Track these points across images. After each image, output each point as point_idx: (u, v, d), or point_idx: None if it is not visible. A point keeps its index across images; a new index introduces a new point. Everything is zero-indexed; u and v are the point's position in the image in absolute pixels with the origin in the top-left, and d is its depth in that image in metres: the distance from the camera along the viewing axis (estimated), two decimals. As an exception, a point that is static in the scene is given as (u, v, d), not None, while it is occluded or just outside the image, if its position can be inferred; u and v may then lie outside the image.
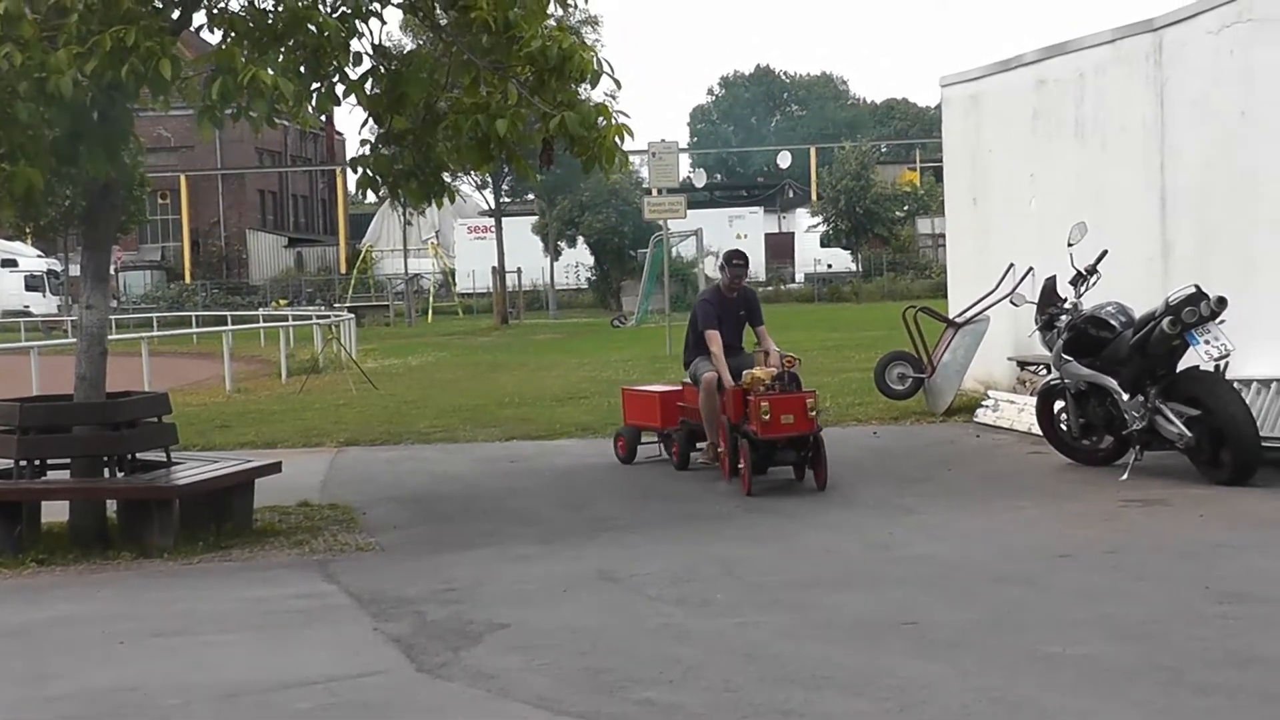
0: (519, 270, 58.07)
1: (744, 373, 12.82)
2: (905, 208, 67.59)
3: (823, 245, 67.90)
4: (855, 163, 63.89)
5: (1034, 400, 14.23)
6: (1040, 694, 6.54)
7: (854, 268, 66.10)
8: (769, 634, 7.88)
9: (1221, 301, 11.93)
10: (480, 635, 8.06)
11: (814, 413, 12.46)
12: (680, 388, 14.62)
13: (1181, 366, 12.34)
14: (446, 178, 12.55)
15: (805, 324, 39.09)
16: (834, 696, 6.64)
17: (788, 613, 8.35)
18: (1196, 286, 12.12)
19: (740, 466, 12.66)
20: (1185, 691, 6.49)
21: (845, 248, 66.14)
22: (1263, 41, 13.21)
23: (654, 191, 32.36)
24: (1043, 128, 16.97)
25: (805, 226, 71.57)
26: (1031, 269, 16.19)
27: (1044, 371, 15.24)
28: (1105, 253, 13.47)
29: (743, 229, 67.77)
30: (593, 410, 19.34)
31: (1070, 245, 13.51)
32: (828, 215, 65.18)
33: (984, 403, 16.74)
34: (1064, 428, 13.39)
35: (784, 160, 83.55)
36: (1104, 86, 15.76)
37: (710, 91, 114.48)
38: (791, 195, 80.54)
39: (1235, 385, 12.28)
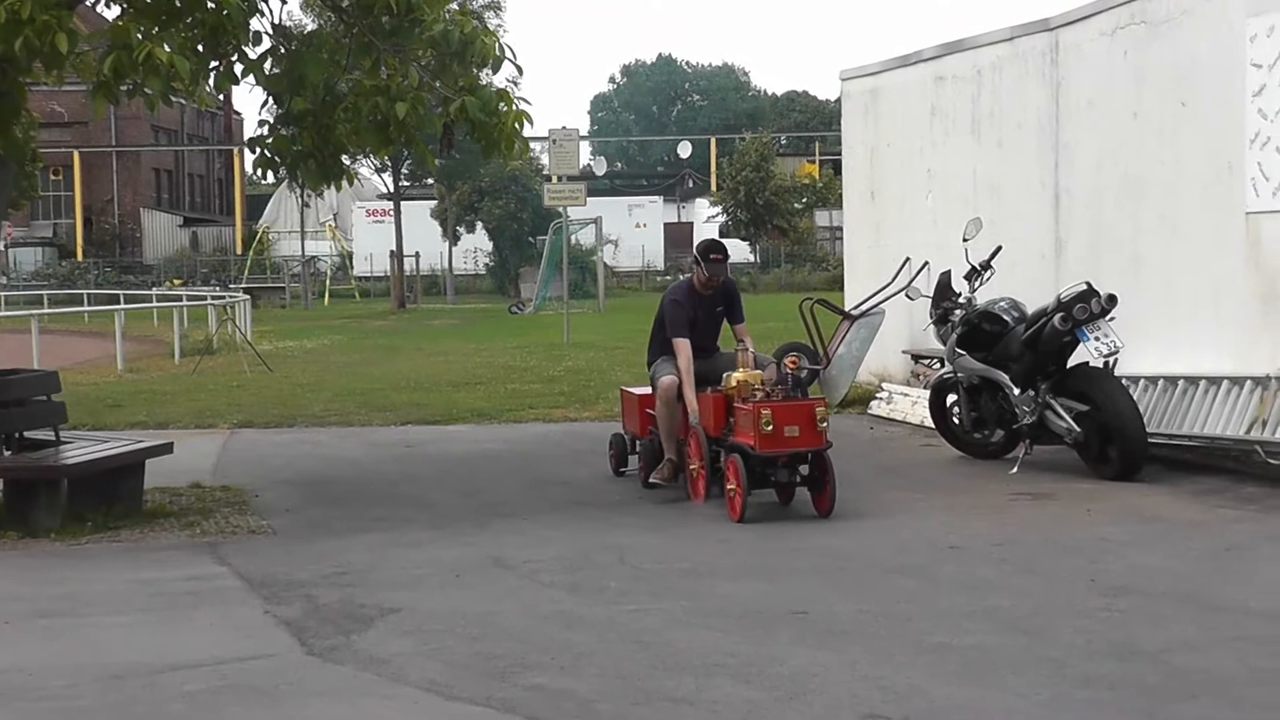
0: (417, 255, 57.76)
1: (725, 375, 11.34)
2: (804, 200, 67.96)
3: (721, 235, 67.99)
4: (755, 154, 64.19)
5: (927, 393, 14.37)
6: (927, 683, 6.62)
7: (752, 259, 66.33)
8: (661, 621, 7.91)
9: (1112, 299, 12.11)
10: (372, 619, 8.03)
11: (823, 424, 10.73)
12: (650, 391, 12.53)
13: (1072, 362, 12.51)
14: (345, 160, 12.49)
15: (703, 314, 39.17)
16: (724, 684, 6.69)
17: (680, 600, 8.39)
18: (1088, 284, 12.29)
19: (730, 488, 10.72)
20: (1068, 682, 6.59)
21: (744, 239, 66.34)
22: (1155, 44, 13.41)
23: (554, 178, 32.31)
24: (940, 124, 17.13)
25: (704, 216, 71.70)
26: (927, 263, 16.36)
27: (938, 365, 15.41)
28: (999, 249, 13.63)
29: (642, 218, 67.87)
30: (489, 396, 19.32)
31: (965, 240, 13.66)
32: (727, 206, 65.45)
33: (878, 395, 16.89)
34: (956, 421, 13.54)
35: (684, 150, 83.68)
36: (1001, 84, 15.94)
37: (612, 80, 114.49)
38: (691, 185, 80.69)
39: (1124, 382, 12.48)
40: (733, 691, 6.57)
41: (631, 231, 65.15)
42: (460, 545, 10.15)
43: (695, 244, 13.01)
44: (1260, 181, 12.13)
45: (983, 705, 6.32)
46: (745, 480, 10.56)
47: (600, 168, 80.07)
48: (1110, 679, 6.61)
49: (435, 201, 59.25)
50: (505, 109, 11.17)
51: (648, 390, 12.51)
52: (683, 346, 11.77)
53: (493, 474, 13.34)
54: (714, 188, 73.48)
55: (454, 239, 58.91)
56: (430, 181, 58.66)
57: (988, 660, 6.99)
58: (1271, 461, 11.45)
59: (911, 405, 15.98)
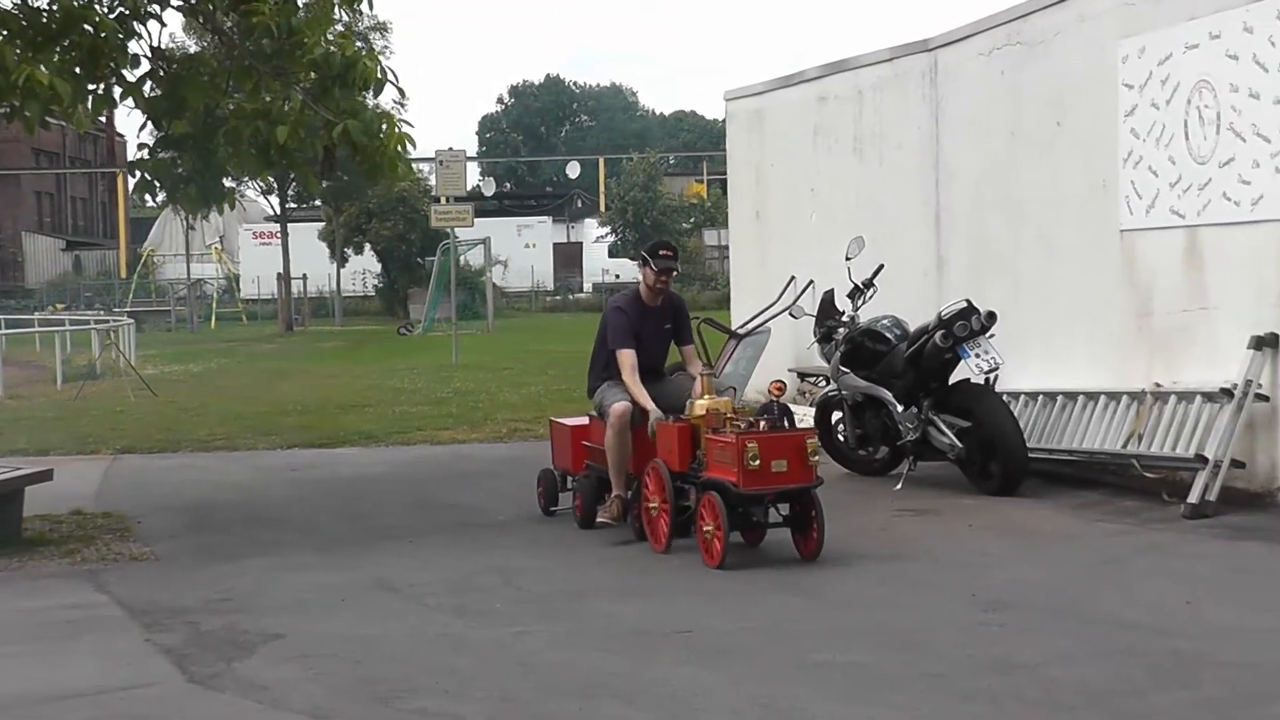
0: (305, 277, 57.35)
1: (688, 401, 10.19)
2: (692, 219, 68.19)
3: (611, 255, 68.19)
4: (643, 174, 64.37)
5: (813, 411, 14.47)
6: (809, 701, 6.66)
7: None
8: (546, 643, 7.92)
9: (991, 316, 12.26)
10: (255, 646, 7.97)
11: (815, 458, 9.65)
12: (586, 421, 11.68)
13: (954, 379, 12.66)
14: (227, 183, 12.42)
15: (593, 335, 39.20)
16: (609, 705, 6.70)
17: (565, 622, 8.40)
18: (968, 301, 12.44)
19: (708, 530, 9.58)
20: (949, 698, 6.66)
21: (633, 258, 66.47)
22: (1031, 65, 13.62)
23: (441, 199, 32.25)
24: (823, 143, 17.28)
25: (593, 237, 71.83)
26: (812, 282, 16.48)
27: (823, 383, 15.52)
28: (882, 267, 13.76)
29: (531, 238, 67.82)
30: (376, 418, 19.22)
31: (848, 259, 13.78)
32: (616, 226, 65.55)
33: (765, 413, 16.94)
34: (841, 438, 13.64)
35: (573, 170, 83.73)
36: (882, 104, 16.11)
37: (500, 100, 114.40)
38: (580, 205, 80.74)
39: (1004, 398, 12.64)
40: (617, 712, 6.58)
41: (520, 252, 65.09)
42: (345, 569, 10.09)
43: (644, 246, 11.70)
44: (1134, 200, 12.35)
45: (864, 721, 6.38)
46: (727, 521, 9.46)
47: (489, 188, 79.97)
48: (990, 693, 6.69)
49: (322, 223, 58.87)
50: (387, 132, 11.15)
51: (582, 421, 11.70)
52: (627, 358, 10.75)
53: (379, 497, 13.29)
54: (602, 208, 73.59)
55: (342, 261, 58.58)
56: (317, 203, 58.30)
57: (870, 676, 7.05)
58: (1148, 475, 11.64)
59: (799, 422, 16.04)
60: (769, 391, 10.02)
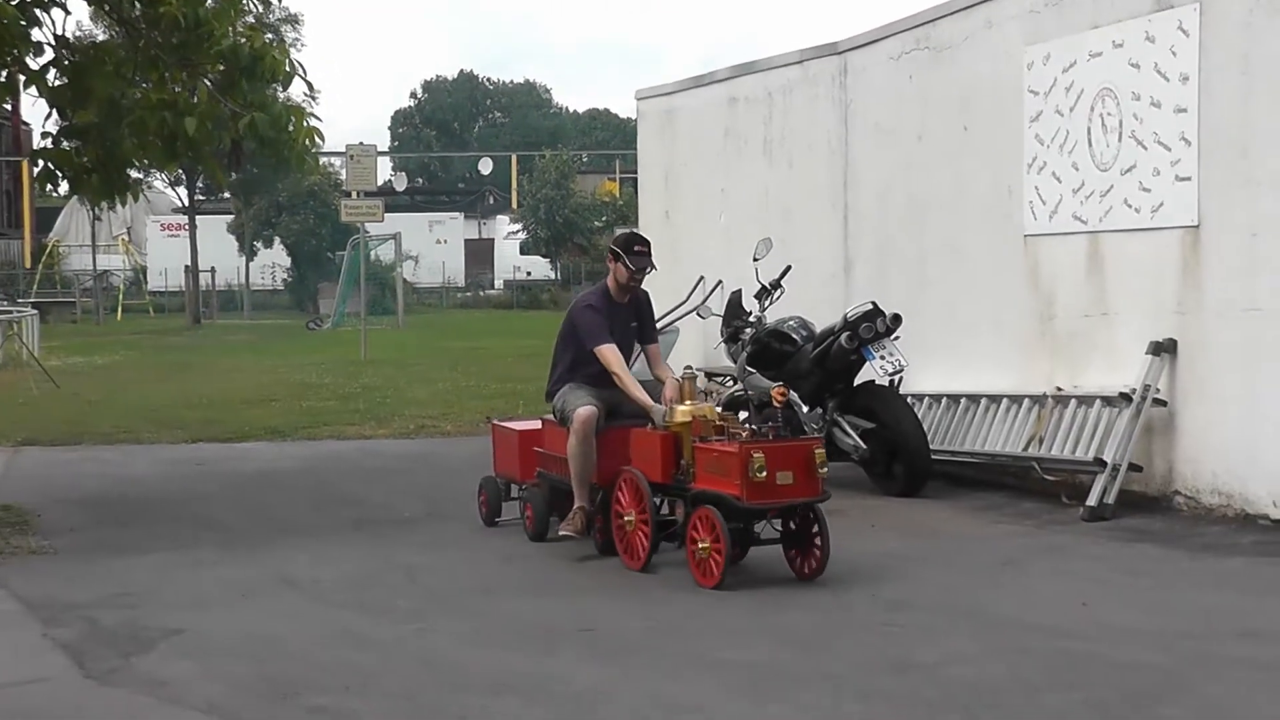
0: (213, 270, 56.92)
1: (668, 409, 9.45)
2: (604, 218, 68.20)
3: (522, 252, 68.13)
4: (556, 171, 64.34)
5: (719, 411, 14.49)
6: (710, 699, 6.70)
7: (553, 276, 66.45)
8: (449, 641, 7.91)
9: (896, 318, 12.37)
10: (154, 641, 7.90)
11: (823, 470, 8.98)
12: (539, 425, 11.00)
13: (858, 381, 12.75)
14: (133, 174, 12.30)
15: (503, 331, 39.21)
16: (511, 703, 6.70)
17: (469, 620, 8.39)
18: (873, 303, 12.54)
19: (703, 548, 8.90)
20: (847, 697, 6.71)
21: (545, 256, 66.50)
22: (939, 69, 13.74)
23: (352, 194, 32.10)
24: (733, 144, 17.35)
25: (505, 233, 71.72)
26: (720, 282, 16.50)
27: (730, 383, 15.57)
28: (789, 268, 13.83)
29: (443, 234, 67.67)
30: (282, 413, 19.11)
31: (756, 260, 13.83)
32: (527, 223, 65.47)
33: (672, 412, 16.98)
34: (747, 438, 13.67)
35: (485, 167, 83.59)
36: (792, 106, 16.19)
37: (413, 95, 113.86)
38: (492, 202, 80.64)
39: (909, 400, 12.76)
40: (519, 710, 6.59)
41: (432, 248, 64.93)
42: (248, 565, 10.03)
43: (613, 239, 11.03)
44: (1038, 205, 12.50)
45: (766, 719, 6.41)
46: (728, 538, 8.80)
47: (401, 183, 79.63)
48: (887, 693, 6.75)
49: (231, 216, 58.46)
50: (296, 125, 11.10)
51: (531, 425, 11.15)
52: (611, 352, 9.97)
53: (284, 492, 13.21)
54: (515, 205, 73.49)
55: (251, 254, 58.19)
56: (226, 196, 57.88)
57: (770, 675, 7.09)
58: (1048, 478, 11.79)
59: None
60: (773, 397, 9.27)
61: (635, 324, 10.50)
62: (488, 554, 10.33)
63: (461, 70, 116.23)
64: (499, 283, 69.02)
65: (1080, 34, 12.03)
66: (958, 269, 13.59)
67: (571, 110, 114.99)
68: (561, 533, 10.08)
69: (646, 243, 10.44)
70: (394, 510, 12.19)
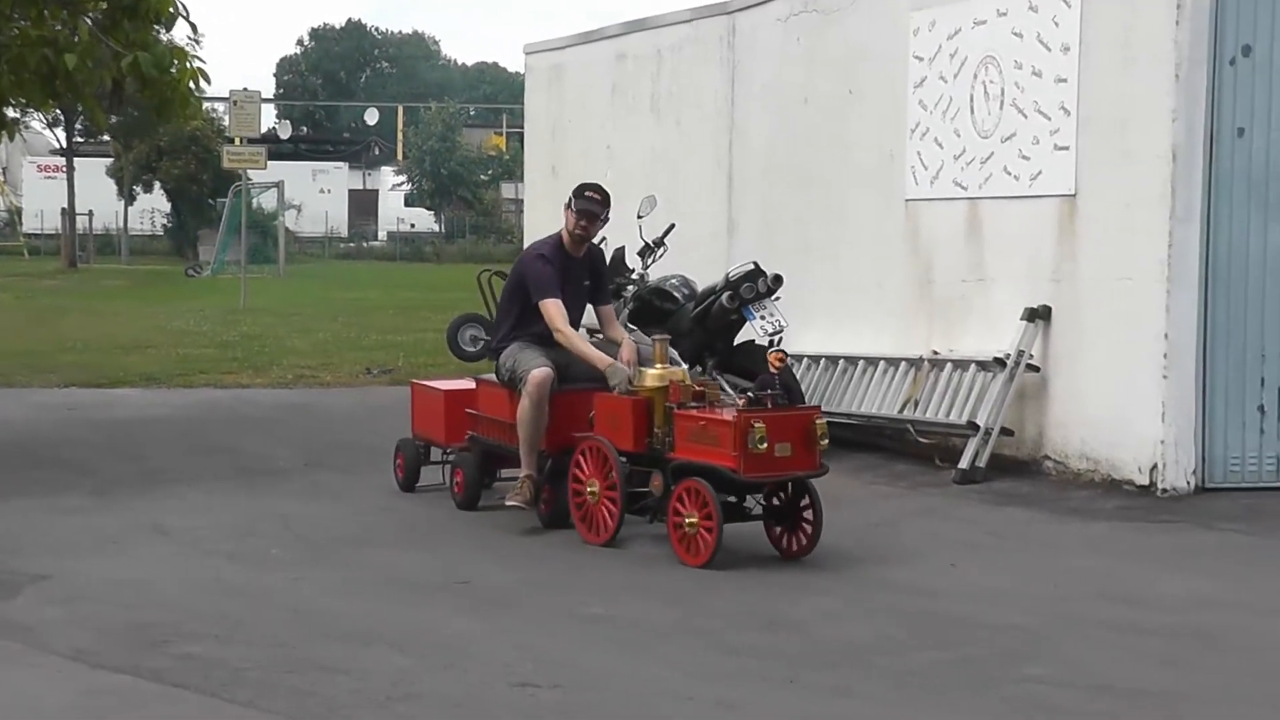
0: (91, 213, 56.00)
1: (638, 370, 8.95)
2: (490, 172, 68.01)
3: (407, 205, 67.75)
4: (442, 124, 64.02)
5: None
6: (579, 653, 6.73)
7: (437, 229, 66.12)
8: (321, 590, 7.89)
9: (778, 279, 12.43)
10: (20, 587, 7.81)
11: (824, 441, 8.43)
12: (474, 386, 10.38)
13: (739, 340, 12.81)
14: (10, 112, 12.09)
15: (386, 283, 38.96)
16: (380, 652, 6.69)
17: (342, 569, 8.37)
18: (755, 264, 12.59)
19: (690, 523, 8.31)
20: (716, 652, 6.77)
21: (429, 208, 66.15)
22: (827, 32, 13.80)
23: (235, 141, 31.73)
24: (621, 101, 17.32)
25: (390, 185, 71.24)
26: (604, 239, 16.51)
27: (611, 340, 15.59)
28: (673, 226, 13.84)
29: (326, 184, 67.04)
30: (158, 360, 18.88)
31: (640, 218, 13.83)
32: (412, 175, 65.09)
33: (553, 368, 17.00)
34: (626, 395, 13.70)
35: (371, 117, 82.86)
36: (680, 65, 16.19)
37: (300, 43, 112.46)
38: (377, 153, 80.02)
39: (789, 360, 12.81)
40: (387, 660, 6.58)
41: (315, 197, 64.29)
42: (120, 512, 9.93)
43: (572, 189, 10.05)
44: (919, 170, 12.60)
45: (632, 674, 6.46)
46: (720, 513, 8.24)
47: (285, 131, 78.74)
48: (757, 649, 6.81)
49: (111, 159, 57.56)
50: (179, 67, 10.95)
51: (460, 384, 10.60)
52: (555, 307, 9.33)
53: (159, 440, 13.07)
54: (400, 156, 73.00)
55: (130, 198, 57.35)
56: (106, 139, 56.96)
57: (641, 630, 7.14)
58: (922, 440, 11.93)
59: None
60: (770, 363, 8.62)
61: (588, 282, 9.82)
62: (364, 505, 10.29)
63: (350, 19, 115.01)
64: (382, 234, 68.54)
65: (966, 2, 12.13)
66: (840, 232, 13.67)
67: (460, 63, 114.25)
68: (509, 504, 9.32)
69: (601, 191, 9.81)
70: (270, 460, 12.10)
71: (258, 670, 6.43)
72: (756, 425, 8.12)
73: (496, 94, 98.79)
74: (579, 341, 9.30)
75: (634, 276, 13.55)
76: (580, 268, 9.75)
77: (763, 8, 14.79)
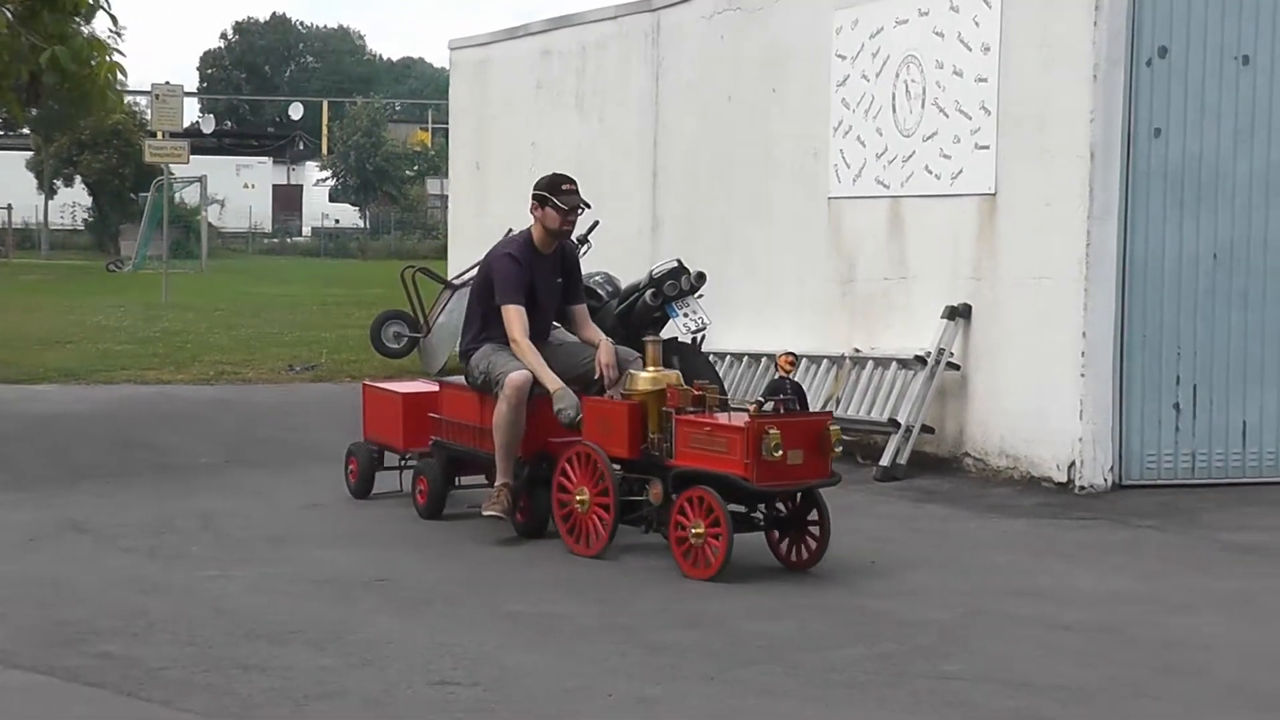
0: (9, 207, 55.40)
1: (627, 374, 8.62)
2: (416, 167, 67.81)
3: (331, 200, 67.47)
4: (368, 119, 63.79)
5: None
6: (501, 651, 6.72)
7: (362, 224, 65.85)
8: (241, 588, 7.85)
9: (701, 277, 12.46)
10: (-66, 585, 7.74)
11: (838, 448, 8.11)
12: (436, 388, 10.07)
13: (663, 337, 12.81)
14: (-76, 105, 11.96)
15: (310, 278, 38.75)
16: (300, 651, 6.67)
17: (263, 567, 8.33)
18: (678, 261, 12.61)
19: (696, 534, 7.92)
20: (639, 649, 6.78)
21: (354, 204, 65.88)
22: (751, 30, 13.85)
23: (157, 135, 31.48)
24: (546, 97, 17.32)
25: (314, 180, 70.91)
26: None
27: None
28: (597, 223, 13.83)
29: (250, 179, 66.65)
30: (79, 355, 18.71)
31: (563, 214, 13.83)
32: (337, 170, 64.81)
33: (477, 365, 16.98)
34: (550, 392, 13.70)
35: (296, 112, 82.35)
36: (605, 61, 16.21)
37: (224, 36, 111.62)
38: (302, 148, 79.55)
39: (711, 357, 12.86)
40: (306, 658, 6.56)
41: (239, 192, 63.88)
42: (38, 508, 9.85)
43: (535, 183, 9.34)
44: (842, 168, 12.67)
45: (553, 671, 6.46)
46: (730, 523, 7.86)
47: (208, 125, 78.19)
48: (679, 645, 6.83)
49: (31, 153, 56.96)
50: (98, 61, 10.86)
51: (421, 387, 10.34)
52: (515, 314, 8.96)
53: (78, 436, 12.96)
54: (325, 151, 72.64)
55: (50, 192, 56.77)
56: (26, 132, 56.35)
57: (563, 628, 7.15)
58: (844, 438, 11.96)
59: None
60: (779, 365, 8.26)
61: (560, 279, 9.36)
62: (285, 502, 10.24)
63: (274, 13, 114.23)
64: (307, 230, 68.19)
65: (888, 1, 12.21)
66: (763, 229, 13.73)
67: (385, 57, 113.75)
68: (486, 513, 8.91)
69: (574, 180, 9.29)
70: (191, 456, 12.03)
71: (175, 669, 6.40)
72: (771, 432, 7.74)
73: (422, 89, 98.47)
74: (533, 355, 8.87)
75: (558, 273, 13.55)
76: (552, 265, 9.30)
77: (687, 5, 14.83)
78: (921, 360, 11.39)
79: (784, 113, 13.45)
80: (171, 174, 35.14)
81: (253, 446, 12.41)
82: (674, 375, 8.52)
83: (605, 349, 9.04)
